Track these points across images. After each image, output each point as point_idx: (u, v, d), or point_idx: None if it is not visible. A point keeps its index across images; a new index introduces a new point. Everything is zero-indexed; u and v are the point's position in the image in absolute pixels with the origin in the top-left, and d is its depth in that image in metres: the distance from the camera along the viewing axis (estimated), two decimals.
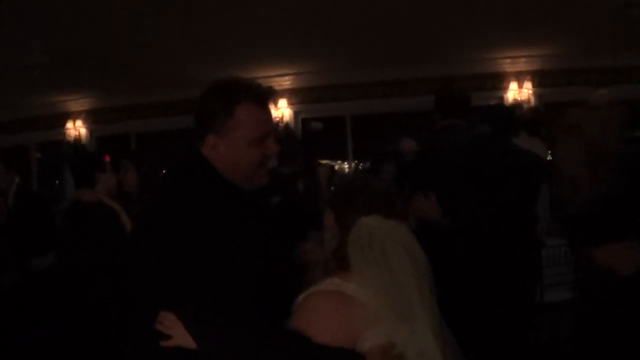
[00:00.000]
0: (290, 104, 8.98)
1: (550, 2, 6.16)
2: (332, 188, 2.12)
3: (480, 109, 5.17)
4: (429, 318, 1.80)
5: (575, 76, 8.42)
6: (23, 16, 5.72)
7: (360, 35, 7.13)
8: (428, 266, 1.83)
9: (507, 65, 8.54)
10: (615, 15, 6.19)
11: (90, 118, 10.01)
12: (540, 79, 8.56)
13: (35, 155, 10.72)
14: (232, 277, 1.88)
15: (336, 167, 8.88)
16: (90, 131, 10.04)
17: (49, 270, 5.38)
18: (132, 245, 2.19)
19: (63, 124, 10.05)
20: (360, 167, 9.06)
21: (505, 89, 8.59)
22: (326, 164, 6.37)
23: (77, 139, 9.97)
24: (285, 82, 8.90)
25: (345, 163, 9.15)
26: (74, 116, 10.02)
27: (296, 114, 8.95)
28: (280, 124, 7.86)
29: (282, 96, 8.92)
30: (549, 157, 8.38)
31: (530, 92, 8.51)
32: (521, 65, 8.53)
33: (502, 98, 8.60)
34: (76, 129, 9.99)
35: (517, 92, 8.52)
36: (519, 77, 8.54)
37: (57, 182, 10.87)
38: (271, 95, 2.18)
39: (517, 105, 8.40)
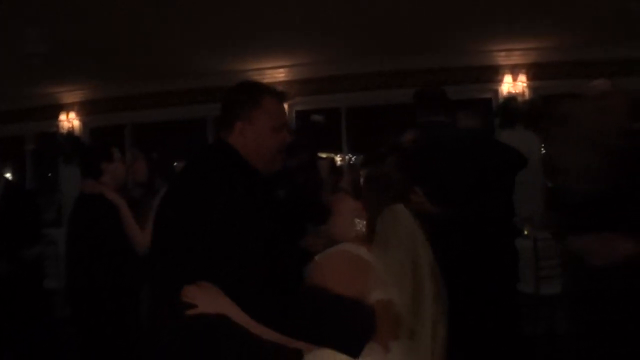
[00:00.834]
0: None
1: None
2: (361, 180, 2.32)
3: (466, 105, 5.25)
4: (434, 289, 2.16)
5: (570, 69, 8.41)
6: (19, 6, 5.68)
7: (355, 27, 7.11)
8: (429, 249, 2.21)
9: (502, 58, 8.53)
10: (612, 8, 6.19)
11: (84, 109, 9.95)
12: (535, 71, 8.55)
13: (30, 146, 10.68)
14: (259, 247, 2.15)
15: (338, 160, 8.89)
16: (84, 123, 9.98)
17: (37, 261, 5.44)
18: (160, 224, 2.40)
19: (57, 116, 9.99)
20: (354, 160, 9.05)
21: (500, 81, 8.57)
22: (327, 157, 6.37)
23: (71, 131, 9.92)
24: (279, 74, 8.87)
25: (339, 156, 9.13)
26: (67, 108, 9.96)
27: (291, 106, 8.93)
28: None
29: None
30: (542, 150, 8.45)
31: (525, 85, 8.49)
32: (516, 58, 8.51)
33: (496, 91, 8.60)
34: (69, 120, 9.94)
35: (512, 85, 8.51)
36: (514, 70, 8.53)
37: (50, 174, 10.87)
38: (286, 95, 2.55)
39: (511, 98, 8.42)
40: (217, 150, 2.46)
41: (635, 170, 3.32)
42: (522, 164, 4.41)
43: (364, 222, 2.25)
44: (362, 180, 2.32)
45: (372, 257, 2.17)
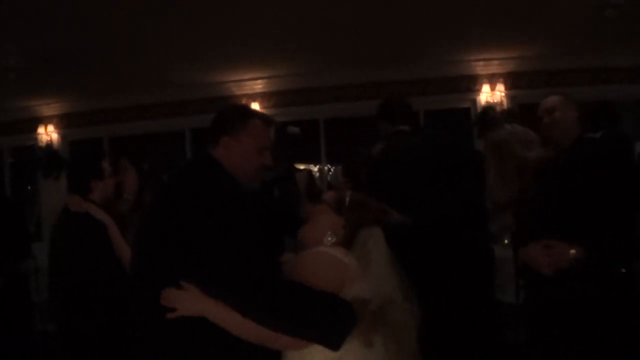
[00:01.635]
0: (262, 107, 8.92)
1: (523, 5, 6.16)
2: (347, 200, 2.59)
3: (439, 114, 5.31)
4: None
5: (548, 77, 8.45)
6: None
7: (333, 38, 7.10)
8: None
9: (480, 68, 8.55)
10: (589, 17, 6.20)
11: (62, 122, 9.90)
12: (513, 81, 8.57)
13: (8, 160, 10.61)
14: (243, 246, 2.20)
15: (315, 170, 8.87)
16: (63, 136, 9.93)
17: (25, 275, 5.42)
18: (150, 230, 2.41)
19: (35, 129, 9.93)
20: (331, 170, 9.04)
21: (478, 91, 8.58)
22: (304, 169, 6.35)
23: (49, 144, 9.86)
24: (257, 85, 8.87)
25: (317, 167, 9.12)
26: (45, 121, 9.91)
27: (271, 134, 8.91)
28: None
29: (254, 100, 8.87)
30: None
31: (503, 94, 8.51)
32: (494, 67, 8.54)
33: (474, 100, 8.61)
34: (48, 133, 9.88)
35: (490, 94, 8.52)
36: (492, 80, 8.55)
37: (29, 187, 10.80)
38: (273, 122, 2.74)
39: (489, 107, 8.42)
40: (203, 161, 2.55)
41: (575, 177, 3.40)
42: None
43: (334, 239, 2.47)
44: (347, 200, 2.56)
45: (347, 258, 2.38)
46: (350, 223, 2.49)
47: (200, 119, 8.78)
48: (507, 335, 5.86)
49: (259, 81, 8.86)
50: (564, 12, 6.38)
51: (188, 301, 2.16)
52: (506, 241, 7.20)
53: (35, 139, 9.98)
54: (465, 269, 4.17)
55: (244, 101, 8.82)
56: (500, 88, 8.53)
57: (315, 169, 9.07)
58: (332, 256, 2.36)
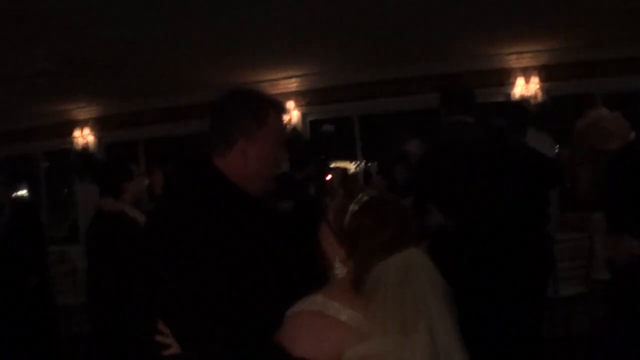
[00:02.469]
0: (297, 105, 8.97)
1: None
2: (345, 222, 1.87)
3: (495, 105, 5.24)
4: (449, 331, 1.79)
5: (582, 69, 8.40)
6: (29, 23, 5.72)
7: (365, 35, 7.12)
8: (447, 289, 1.82)
9: (513, 61, 8.51)
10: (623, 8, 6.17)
11: (98, 125, 10.01)
12: (547, 73, 8.52)
13: (43, 164, 10.73)
14: (220, 296, 1.94)
15: (350, 169, 8.89)
16: (99, 138, 10.03)
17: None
18: (139, 252, 2.27)
19: (70, 132, 10.05)
20: (368, 167, 9.05)
21: (512, 84, 8.55)
22: (338, 167, 6.39)
23: (85, 147, 9.97)
24: (292, 84, 8.89)
25: (353, 163, 9.14)
26: (81, 124, 10.02)
27: (304, 115, 8.95)
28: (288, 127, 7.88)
29: (289, 98, 8.91)
30: (556, 151, 8.43)
31: (538, 87, 8.47)
32: (527, 60, 8.50)
33: (509, 94, 8.58)
34: (84, 137, 9.98)
35: (524, 87, 8.49)
36: (526, 73, 8.51)
37: (65, 190, 10.92)
38: (284, 109, 2.34)
39: (524, 101, 8.40)
40: (199, 172, 2.25)
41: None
42: (553, 169, 4.37)
43: (345, 271, 1.89)
44: (345, 225, 1.88)
45: (349, 313, 1.83)
46: (352, 251, 1.87)
47: None
48: (544, 327, 5.87)
49: (293, 79, 8.89)
50: (596, 4, 6.35)
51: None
52: None
53: (72, 142, 10.10)
54: (519, 274, 4.12)
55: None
56: (535, 81, 8.49)
57: (353, 166, 9.09)
58: (318, 318, 1.84)
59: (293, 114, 8.88)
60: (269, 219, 2.36)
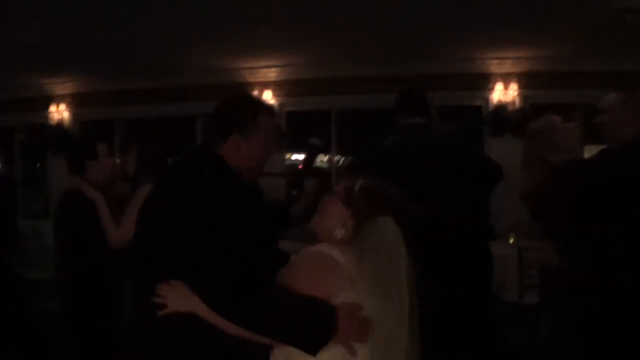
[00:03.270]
0: (275, 95, 8.94)
1: (539, 5, 6.14)
2: (356, 188, 2.42)
3: (451, 110, 5.30)
4: (410, 303, 2.22)
5: (562, 79, 8.43)
6: None
7: (349, 30, 7.10)
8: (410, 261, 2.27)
9: (494, 66, 8.53)
10: (606, 19, 6.19)
11: (75, 102, 9.92)
12: (526, 80, 8.55)
13: (20, 137, 10.65)
14: (228, 247, 2.20)
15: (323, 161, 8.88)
16: (74, 115, 9.95)
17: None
18: (144, 223, 2.47)
19: (47, 107, 9.96)
20: (342, 162, 9.06)
21: (491, 89, 8.58)
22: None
23: (60, 123, 9.89)
24: (271, 73, 8.86)
25: (326, 157, 9.13)
26: (58, 99, 9.93)
27: (281, 106, 8.91)
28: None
29: (267, 87, 8.88)
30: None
31: (516, 93, 8.50)
32: (508, 66, 8.52)
33: (487, 99, 8.60)
34: (59, 112, 9.90)
35: (503, 93, 8.51)
36: (505, 78, 8.54)
37: (38, 165, 10.85)
38: (276, 114, 2.80)
39: (502, 106, 8.42)
40: (203, 154, 2.56)
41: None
42: (498, 175, 4.42)
43: (343, 231, 2.32)
44: (356, 188, 2.38)
45: (345, 260, 2.24)
46: (357, 214, 2.33)
47: (212, 105, 8.80)
48: (509, 335, 5.89)
49: (273, 69, 8.86)
50: (581, 14, 6.36)
51: (177, 297, 2.21)
52: (511, 240, 7.25)
53: (47, 117, 10.00)
54: (464, 264, 4.18)
55: (256, 89, 8.83)
56: (514, 87, 8.51)
57: (325, 159, 9.08)
58: (327, 257, 2.25)
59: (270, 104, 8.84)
60: (258, 204, 2.84)
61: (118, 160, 4.67)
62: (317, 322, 2.16)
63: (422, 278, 2.29)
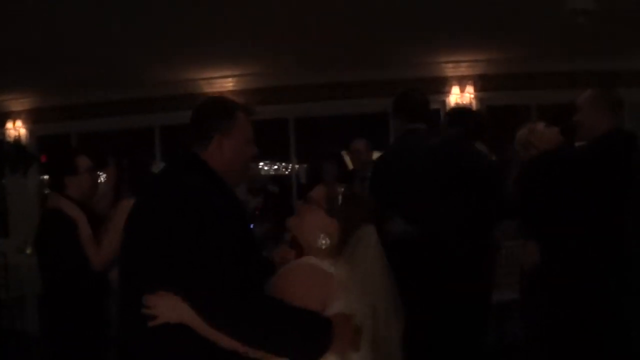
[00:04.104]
0: None
1: (493, 9, 6.20)
2: (339, 198, 2.41)
3: (450, 113, 5.24)
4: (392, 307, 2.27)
5: (517, 81, 8.55)
6: None
7: (304, 38, 7.10)
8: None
9: (450, 70, 8.61)
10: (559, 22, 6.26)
11: (31, 117, 9.78)
12: (482, 83, 8.64)
13: None
14: (220, 255, 2.19)
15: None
16: (31, 131, 9.81)
17: None
18: (131, 234, 2.45)
19: (3, 124, 9.81)
20: (298, 169, 9.09)
21: (448, 93, 8.64)
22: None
23: (17, 139, 9.75)
24: (228, 83, 8.83)
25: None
26: (14, 115, 9.78)
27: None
28: None
29: None
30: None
31: (472, 96, 8.57)
32: (463, 69, 8.60)
33: (444, 102, 8.66)
34: (16, 128, 9.76)
35: (459, 96, 8.58)
36: (461, 82, 8.61)
37: None
38: (253, 112, 2.67)
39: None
40: (187, 162, 2.52)
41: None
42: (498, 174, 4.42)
43: (328, 241, 2.32)
44: (340, 198, 2.38)
45: (335, 270, 2.25)
46: (344, 224, 2.33)
47: (170, 116, 8.77)
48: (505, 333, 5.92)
49: (230, 79, 8.83)
50: (534, 17, 6.43)
51: (167, 308, 2.17)
52: None
53: (3, 133, 9.83)
54: (465, 279, 4.13)
55: None
56: (470, 90, 8.59)
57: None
58: (317, 269, 2.25)
59: None
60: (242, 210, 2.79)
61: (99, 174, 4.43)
62: (314, 334, 2.17)
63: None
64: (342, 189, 2.42)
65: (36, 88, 9.10)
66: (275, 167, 11.23)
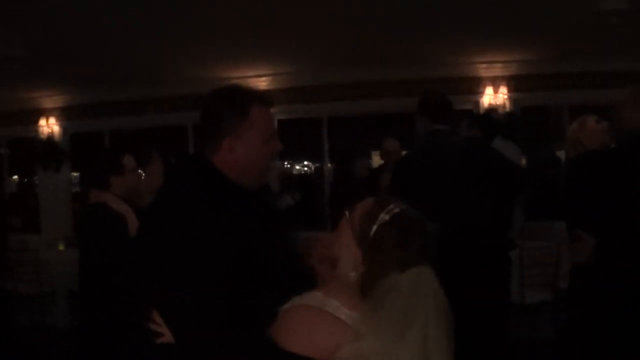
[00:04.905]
0: None
1: (526, 9, 6.20)
2: (372, 231, 1.83)
3: (469, 114, 5.29)
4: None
5: (550, 81, 8.53)
6: (2, 7, 5.61)
7: (337, 37, 7.11)
8: (448, 311, 1.81)
9: (483, 70, 8.60)
10: (591, 22, 6.25)
11: (64, 115, 9.86)
12: (515, 84, 8.62)
13: (7, 151, 10.57)
14: (214, 286, 1.97)
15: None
16: (64, 128, 9.90)
17: None
18: (135, 246, 2.34)
19: (36, 121, 9.89)
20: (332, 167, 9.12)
21: (481, 93, 8.64)
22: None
23: (50, 136, 9.83)
24: (262, 82, 8.84)
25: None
26: (47, 113, 9.87)
27: (273, 115, 8.91)
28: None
29: None
30: (523, 161, 8.54)
31: (506, 97, 8.56)
32: (497, 70, 8.59)
33: (477, 102, 8.66)
34: (49, 126, 9.84)
35: (493, 96, 8.58)
36: (495, 82, 8.60)
37: (25, 179, 10.79)
38: (272, 102, 2.33)
39: (492, 109, 8.48)
40: (193, 169, 2.26)
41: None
42: (522, 181, 4.45)
43: (354, 274, 1.85)
44: (372, 232, 1.85)
45: (345, 313, 1.83)
46: (368, 262, 1.83)
47: None
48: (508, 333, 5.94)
49: (263, 78, 8.84)
50: (566, 17, 6.42)
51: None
52: None
53: (36, 130, 9.93)
54: (485, 276, 4.16)
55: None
56: (503, 91, 8.58)
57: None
58: (310, 312, 1.85)
59: None
60: (265, 213, 2.40)
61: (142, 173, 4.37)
62: None
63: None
64: (383, 216, 1.86)
65: (69, 85, 9.18)
66: (298, 167, 11.27)
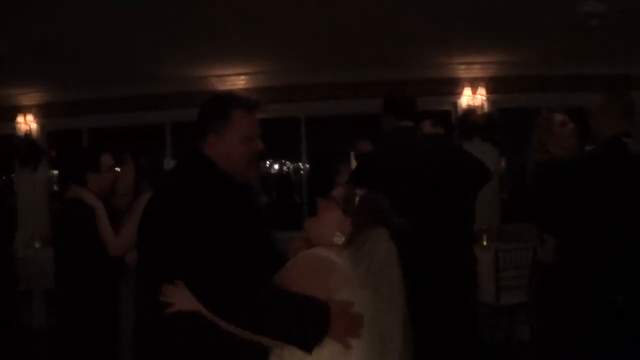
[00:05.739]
0: None
1: (505, 11, 6.20)
2: (356, 200, 2.52)
3: (433, 114, 5.32)
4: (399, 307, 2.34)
5: (528, 83, 8.56)
6: None
7: (316, 37, 7.11)
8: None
9: (462, 71, 8.61)
10: (571, 24, 6.26)
11: (42, 112, 9.77)
12: (494, 85, 8.64)
13: None
14: (223, 248, 2.30)
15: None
16: (42, 126, 9.82)
17: None
18: (143, 229, 2.56)
19: (13, 118, 9.79)
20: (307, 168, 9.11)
21: (459, 94, 8.64)
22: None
23: (28, 133, 9.75)
24: (240, 81, 8.83)
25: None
26: (24, 110, 9.77)
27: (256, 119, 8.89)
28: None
29: None
30: (502, 162, 8.55)
31: (484, 98, 8.57)
32: (475, 71, 8.61)
33: (455, 103, 8.67)
34: (27, 123, 9.76)
35: (471, 97, 8.58)
36: (473, 83, 8.61)
37: (3, 177, 10.70)
38: (259, 105, 2.67)
39: (470, 111, 8.49)
40: (191, 160, 2.63)
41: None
42: (486, 176, 4.45)
43: (343, 238, 2.42)
44: (356, 200, 2.47)
45: (342, 260, 2.34)
46: (357, 223, 2.44)
47: (181, 113, 8.75)
48: (484, 334, 5.95)
49: (242, 77, 8.83)
50: (546, 19, 6.44)
51: (182, 296, 2.32)
52: (484, 242, 7.32)
53: (14, 128, 9.82)
54: (450, 272, 4.17)
55: None
56: (482, 92, 8.58)
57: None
58: (323, 259, 2.35)
59: None
60: (252, 203, 2.86)
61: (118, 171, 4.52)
62: (310, 320, 2.24)
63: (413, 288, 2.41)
64: (361, 192, 2.51)
65: (48, 83, 9.11)
66: (277, 166, 11.27)
